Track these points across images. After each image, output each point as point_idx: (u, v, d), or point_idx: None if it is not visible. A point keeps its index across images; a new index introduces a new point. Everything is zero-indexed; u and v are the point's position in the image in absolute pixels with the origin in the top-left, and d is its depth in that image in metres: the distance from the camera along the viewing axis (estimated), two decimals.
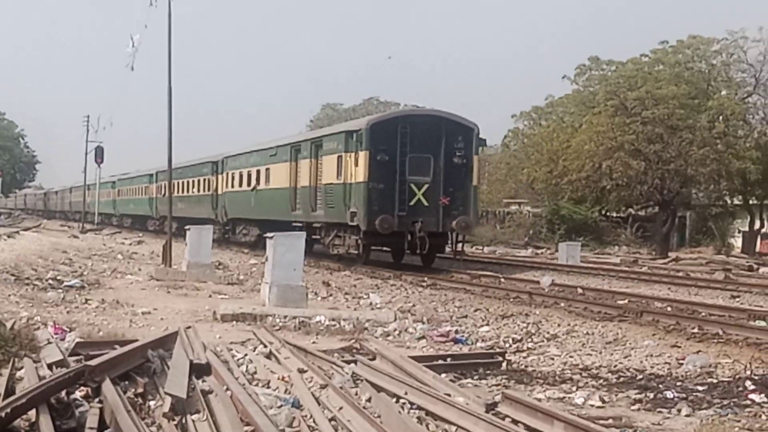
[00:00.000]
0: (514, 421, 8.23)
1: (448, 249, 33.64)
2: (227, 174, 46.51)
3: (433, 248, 32.04)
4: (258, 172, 41.19)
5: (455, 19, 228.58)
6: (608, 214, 63.48)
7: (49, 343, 11.55)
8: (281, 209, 37.72)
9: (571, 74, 59.45)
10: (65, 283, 21.95)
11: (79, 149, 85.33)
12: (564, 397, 10.75)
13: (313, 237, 33.96)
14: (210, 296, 21.19)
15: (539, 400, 9.97)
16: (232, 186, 45.46)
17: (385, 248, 34.01)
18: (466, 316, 18.63)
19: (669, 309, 20.18)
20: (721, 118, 51.94)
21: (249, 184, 42.25)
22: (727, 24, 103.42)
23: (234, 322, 16.30)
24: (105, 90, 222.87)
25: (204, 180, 52.03)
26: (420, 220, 30.79)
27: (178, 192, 52.06)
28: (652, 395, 10.98)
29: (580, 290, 24.72)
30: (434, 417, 8.52)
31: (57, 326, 13.91)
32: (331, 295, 22.39)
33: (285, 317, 16.65)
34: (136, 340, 11.50)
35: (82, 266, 28.09)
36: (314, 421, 8.24)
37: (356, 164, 31.20)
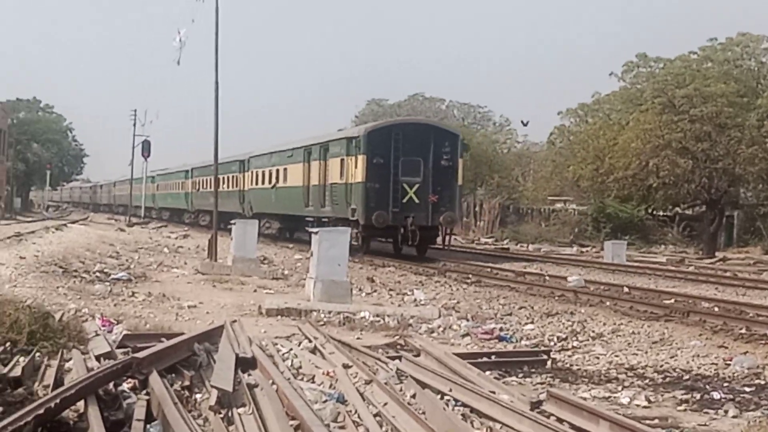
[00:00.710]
0: (559, 420, 8.19)
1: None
2: (252, 172, 50.19)
3: (424, 240, 35.42)
4: (277, 171, 44.96)
5: (503, 15, 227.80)
6: (654, 212, 62.93)
7: (97, 335, 11.67)
8: (297, 205, 41.59)
9: (618, 71, 59.12)
10: (112, 276, 22.20)
11: (126, 143, 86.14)
12: (609, 397, 10.70)
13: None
14: (255, 291, 21.29)
15: (584, 399, 9.91)
16: (256, 183, 49.19)
17: (388, 240, 37.12)
18: (510, 314, 18.58)
19: (716, 309, 19.99)
20: None
21: (270, 182, 45.92)
22: None
23: (279, 317, 16.38)
24: (152, 84, 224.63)
25: (232, 177, 55.24)
26: (412, 216, 34.49)
27: (207, 188, 55.38)
28: (698, 396, 10.89)
29: (625, 289, 24.55)
30: (479, 414, 8.50)
31: (104, 318, 14.06)
32: (375, 291, 22.41)
33: (329, 312, 16.69)
34: (183, 334, 11.58)
35: (129, 259, 28.38)
36: (359, 417, 8.26)
37: (356, 166, 35.11)
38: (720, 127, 50.57)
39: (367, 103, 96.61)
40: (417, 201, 34.76)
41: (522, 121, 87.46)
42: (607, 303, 20.99)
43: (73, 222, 62.35)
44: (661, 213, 62.89)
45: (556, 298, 22.23)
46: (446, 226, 35.44)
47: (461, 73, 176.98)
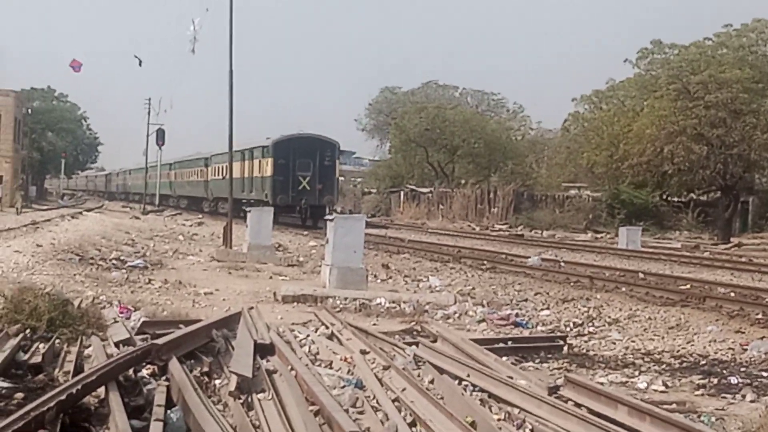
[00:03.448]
0: (577, 405, 8.20)
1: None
2: (213, 167, 64.10)
3: (314, 215, 48.85)
4: (227, 166, 53.07)
5: (518, 2, 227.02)
6: (669, 198, 62.82)
7: (116, 321, 11.73)
8: (240, 191, 53.11)
9: (633, 58, 58.94)
10: (128, 264, 22.26)
11: (140, 131, 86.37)
12: (626, 382, 10.70)
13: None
14: (270, 277, 21.33)
15: (601, 384, 9.91)
16: (215, 175, 63.03)
17: (292, 215, 50.96)
18: (526, 300, 18.58)
19: (732, 295, 19.97)
20: None
21: (222, 175, 57.78)
22: None
23: (295, 304, 16.41)
24: (166, 73, 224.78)
25: (199, 170, 69.40)
26: (305, 198, 49.77)
27: (192, 177, 71.15)
28: (715, 381, 10.88)
29: (641, 275, 24.50)
30: (497, 399, 8.51)
31: (122, 305, 14.11)
32: (390, 277, 22.43)
33: (345, 299, 16.73)
34: (200, 320, 11.61)
35: (145, 247, 28.46)
36: (377, 402, 8.28)
37: (267, 165, 51.12)
38: (735, 113, 50.42)
39: (381, 90, 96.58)
40: (308, 188, 50.00)
41: None
42: (623, 289, 20.99)
43: (89, 210, 62.62)
44: (675, 199, 62.77)
45: (572, 283, 22.24)
46: (327, 204, 49.29)
47: (475, 61, 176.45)
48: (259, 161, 52.46)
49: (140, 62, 73.34)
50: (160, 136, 79.97)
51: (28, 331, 10.33)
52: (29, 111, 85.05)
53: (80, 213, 54.41)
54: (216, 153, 61.77)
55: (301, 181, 49.89)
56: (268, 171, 50.82)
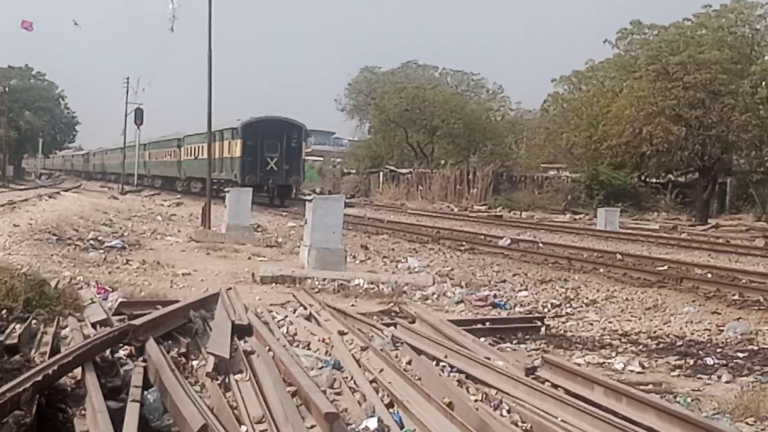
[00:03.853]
0: (554, 386, 8.23)
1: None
2: (185, 147, 65.70)
3: (281, 194, 52.15)
4: (199, 147, 58.84)
5: None
6: (648, 179, 63.05)
7: (93, 302, 11.68)
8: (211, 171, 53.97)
9: (612, 38, 59.00)
10: (106, 244, 22.15)
11: (119, 111, 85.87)
12: (603, 363, 10.76)
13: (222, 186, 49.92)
14: (249, 258, 21.29)
15: (578, 365, 9.96)
16: (188, 156, 64.45)
17: (261, 194, 49.50)
18: (504, 281, 18.62)
19: (709, 276, 20.09)
20: (764, 83, 51.33)
21: (194, 155, 61.49)
22: None
23: (273, 284, 16.39)
24: (145, 52, 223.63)
25: (172, 151, 70.86)
26: (272, 178, 51.58)
27: (165, 158, 73.75)
28: (692, 361, 10.95)
29: (619, 256, 24.61)
30: (474, 380, 8.53)
31: (99, 286, 14.06)
32: (369, 258, 22.41)
33: (324, 280, 16.72)
34: (178, 301, 11.58)
35: (123, 227, 28.33)
36: (355, 383, 8.29)
37: (236, 146, 52.83)
38: (714, 94, 50.61)
39: (360, 70, 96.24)
40: (276, 169, 51.81)
41: None
42: (601, 270, 21.09)
43: (66, 190, 62.27)
44: (654, 180, 63.03)
45: (550, 265, 22.31)
46: (294, 185, 52.61)
47: (455, 41, 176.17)
48: (229, 142, 54.42)
49: (75, 23, 74.55)
50: (139, 115, 79.53)
51: (4, 311, 10.28)
52: (6, 89, 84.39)
53: (58, 193, 54.12)
54: (188, 134, 64.09)
55: (269, 162, 52.00)
56: (237, 152, 52.81)
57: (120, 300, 12.35)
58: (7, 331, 9.51)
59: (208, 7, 29.11)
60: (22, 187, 66.75)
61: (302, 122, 55.08)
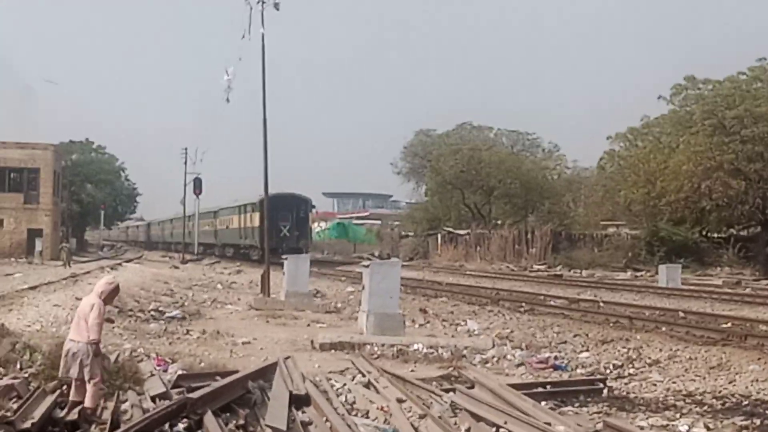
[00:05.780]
0: None
1: None
2: (219, 219, 78.15)
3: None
4: (230, 219, 73.31)
5: (550, 44, 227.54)
6: (709, 234, 62.18)
7: (152, 375, 11.76)
8: (238, 238, 70.70)
9: (666, 94, 58.73)
10: (167, 314, 22.37)
11: (177, 181, 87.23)
12: (668, 425, 10.56)
13: (246, 251, 67.43)
14: (308, 325, 21.34)
15: (642, 428, 9.81)
16: (222, 226, 76.91)
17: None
18: (565, 342, 18.45)
19: None
20: None
21: (227, 225, 74.36)
22: None
23: (332, 351, 16.40)
24: (201, 122, 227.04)
25: (209, 222, 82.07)
26: (285, 243, 57.84)
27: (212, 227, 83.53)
28: (758, 422, 10.72)
29: (681, 314, 24.23)
30: None
31: (159, 358, 14.16)
32: (428, 322, 22.36)
33: (383, 345, 16.69)
34: (237, 371, 11.62)
35: (183, 297, 28.59)
36: None
37: (257, 217, 61.69)
38: None
39: (416, 133, 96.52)
40: (288, 235, 61.24)
41: None
42: (663, 328, 20.78)
43: (128, 261, 63.12)
44: (715, 235, 62.13)
45: (611, 324, 22.03)
46: (303, 247, 59.22)
47: (509, 101, 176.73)
48: (250, 215, 65.96)
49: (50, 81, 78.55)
50: (197, 185, 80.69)
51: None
52: (68, 163, 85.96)
53: (120, 264, 54.79)
54: (222, 207, 78.13)
55: (282, 230, 61.29)
56: (256, 222, 62.39)
57: (179, 372, 12.42)
58: (68, 407, 9.58)
59: (262, 76, 29.61)
60: (85, 259, 67.65)
61: (308, 197, 67.61)
